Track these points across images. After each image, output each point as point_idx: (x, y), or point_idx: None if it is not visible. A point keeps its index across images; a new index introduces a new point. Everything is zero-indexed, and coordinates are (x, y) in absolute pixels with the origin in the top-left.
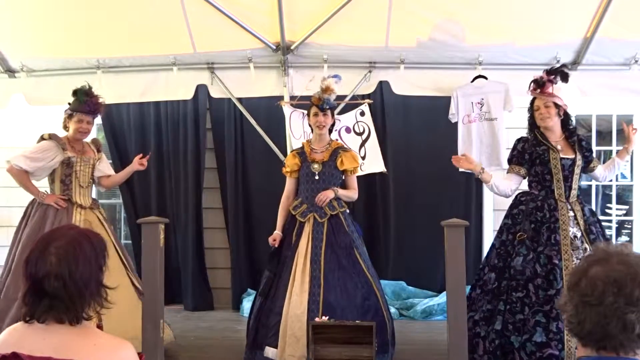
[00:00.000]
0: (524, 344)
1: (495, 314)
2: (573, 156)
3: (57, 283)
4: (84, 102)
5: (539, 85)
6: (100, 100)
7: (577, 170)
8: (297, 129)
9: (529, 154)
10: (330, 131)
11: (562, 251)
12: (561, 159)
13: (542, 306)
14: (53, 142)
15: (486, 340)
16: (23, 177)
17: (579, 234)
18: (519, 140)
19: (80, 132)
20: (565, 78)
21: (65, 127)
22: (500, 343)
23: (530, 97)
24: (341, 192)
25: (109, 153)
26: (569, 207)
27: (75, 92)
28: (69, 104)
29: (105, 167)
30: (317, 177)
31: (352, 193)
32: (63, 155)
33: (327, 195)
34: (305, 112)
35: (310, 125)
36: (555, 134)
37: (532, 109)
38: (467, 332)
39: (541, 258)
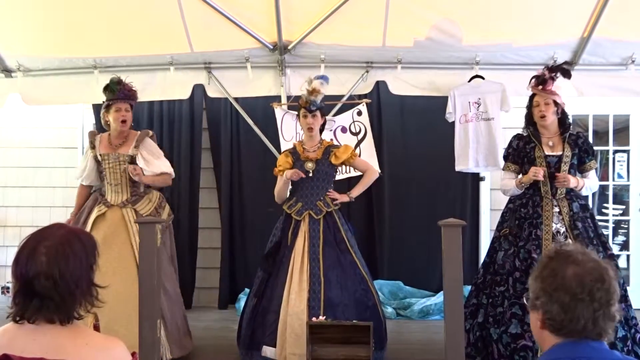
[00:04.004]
0: (501, 335)
1: (479, 307)
2: (561, 153)
3: (48, 283)
4: (118, 90)
5: (540, 81)
6: (133, 87)
7: (564, 167)
8: (289, 131)
9: (522, 152)
10: (321, 131)
11: (543, 246)
12: (546, 156)
13: (518, 299)
14: (88, 140)
15: (470, 333)
16: (78, 191)
17: (562, 230)
18: (514, 137)
19: (121, 120)
20: (567, 74)
21: (106, 123)
22: (481, 335)
23: (529, 93)
24: (356, 190)
25: None
26: (555, 203)
27: (107, 86)
28: (103, 101)
29: (142, 162)
30: (311, 175)
31: (369, 176)
32: (92, 152)
33: (342, 199)
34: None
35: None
36: (551, 131)
37: (530, 105)
38: None
39: (521, 253)
